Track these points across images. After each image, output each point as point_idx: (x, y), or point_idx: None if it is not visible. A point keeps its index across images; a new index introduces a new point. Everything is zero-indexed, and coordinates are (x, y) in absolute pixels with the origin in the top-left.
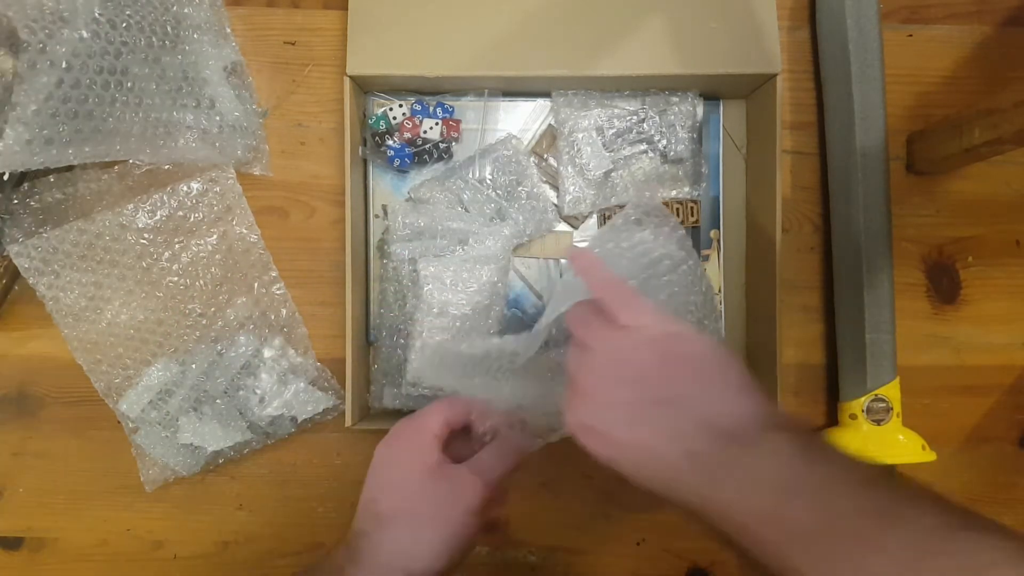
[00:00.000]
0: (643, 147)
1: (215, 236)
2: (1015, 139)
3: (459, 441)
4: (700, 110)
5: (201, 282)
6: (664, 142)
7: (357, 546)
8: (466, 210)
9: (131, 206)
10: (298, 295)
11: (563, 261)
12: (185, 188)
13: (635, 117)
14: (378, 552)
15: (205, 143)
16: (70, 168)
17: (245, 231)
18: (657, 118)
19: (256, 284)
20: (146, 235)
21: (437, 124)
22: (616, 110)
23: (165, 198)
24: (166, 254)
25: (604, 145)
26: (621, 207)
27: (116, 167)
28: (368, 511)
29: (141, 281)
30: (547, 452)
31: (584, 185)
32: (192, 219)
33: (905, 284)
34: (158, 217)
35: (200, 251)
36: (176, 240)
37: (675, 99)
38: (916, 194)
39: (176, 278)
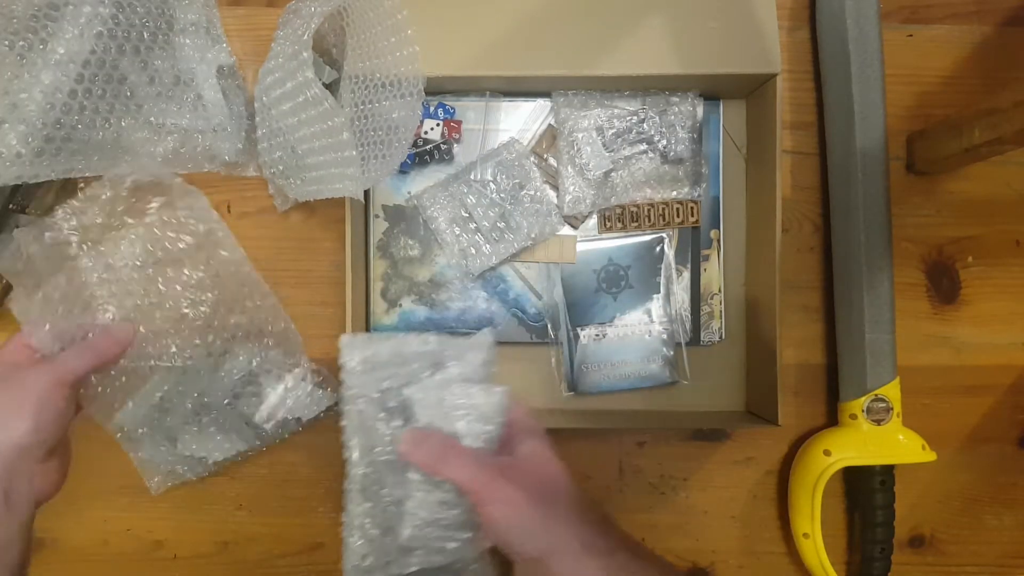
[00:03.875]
0: (643, 147)
1: (201, 264)
2: (1015, 139)
3: None
4: (700, 110)
5: (192, 312)
6: (664, 142)
7: None
8: (470, 215)
9: (112, 243)
10: (298, 295)
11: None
12: (164, 218)
13: (635, 117)
14: None
15: (193, 146)
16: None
17: (228, 253)
18: (657, 118)
19: (247, 301)
20: (134, 273)
21: (438, 125)
22: (616, 110)
23: (142, 231)
24: (155, 288)
25: (604, 145)
26: (621, 207)
27: (101, 197)
28: None
29: (132, 318)
30: None
31: (584, 185)
32: (175, 249)
33: (905, 284)
34: (138, 251)
35: (189, 280)
36: (164, 272)
37: (675, 99)
38: (916, 194)
39: (167, 311)
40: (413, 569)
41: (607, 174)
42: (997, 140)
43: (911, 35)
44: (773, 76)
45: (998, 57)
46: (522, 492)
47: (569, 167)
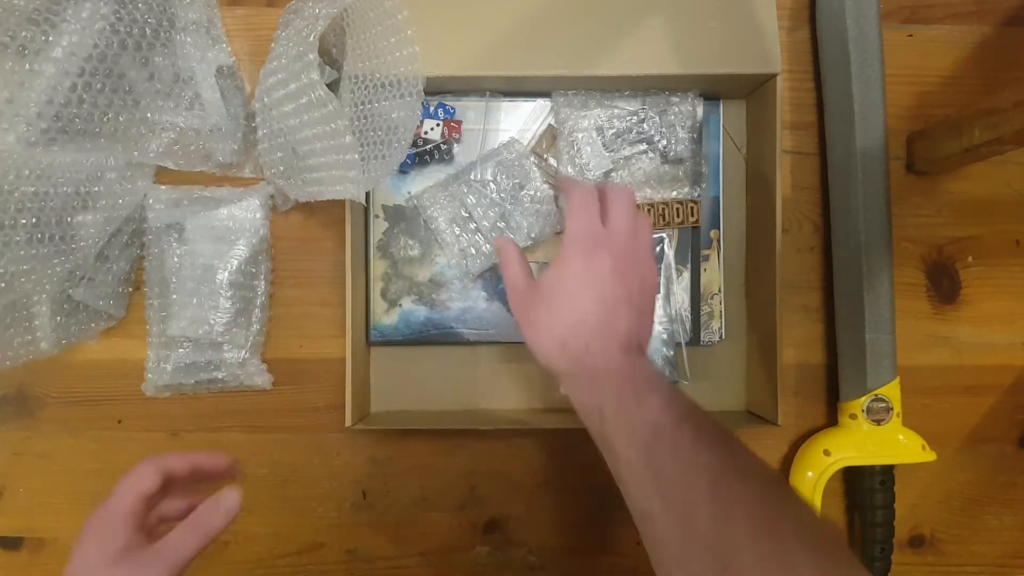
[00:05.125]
0: (643, 147)
1: None
2: (1015, 139)
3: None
4: (700, 110)
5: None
6: (664, 142)
7: None
8: (470, 215)
9: None
10: (298, 295)
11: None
12: None
13: (635, 117)
14: None
15: (187, 144)
16: None
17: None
18: (657, 118)
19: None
20: None
21: (438, 125)
22: (616, 110)
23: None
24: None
25: (604, 145)
26: None
27: None
28: None
29: None
30: (547, 452)
31: None
32: None
33: (905, 284)
34: None
35: None
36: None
37: (675, 99)
38: (916, 194)
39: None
40: None
41: (607, 174)
42: (997, 140)
43: (911, 35)
44: (773, 76)
45: (998, 57)
46: (523, 315)
47: (569, 167)
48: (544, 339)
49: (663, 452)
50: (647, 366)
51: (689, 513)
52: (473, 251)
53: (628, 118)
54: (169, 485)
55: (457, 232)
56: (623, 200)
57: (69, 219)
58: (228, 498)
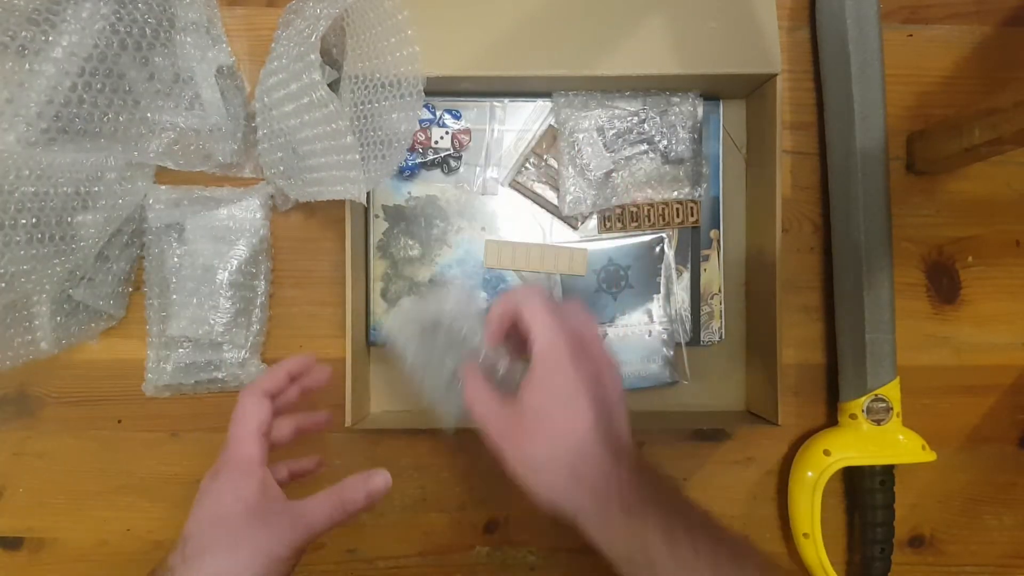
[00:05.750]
0: (644, 147)
1: None
2: (1015, 139)
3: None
4: (700, 110)
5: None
6: (665, 142)
7: None
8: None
9: None
10: (298, 295)
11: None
12: None
13: (636, 118)
14: None
15: (187, 144)
16: None
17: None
18: (658, 118)
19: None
20: None
21: (447, 134)
22: (617, 110)
23: None
24: None
25: (605, 145)
26: (621, 207)
27: None
28: (179, 549)
29: None
30: None
31: (585, 186)
32: None
33: (905, 284)
34: None
35: None
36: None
37: (676, 99)
38: (916, 194)
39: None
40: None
41: (608, 174)
42: (997, 140)
43: (911, 35)
44: (773, 76)
45: (998, 57)
46: (508, 444)
47: (570, 167)
48: (549, 475)
49: None
50: (664, 478)
51: None
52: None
53: (629, 118)
54: (278, 403)
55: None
56: (576, 305)
57: (69, 219)
58: (376, 478)
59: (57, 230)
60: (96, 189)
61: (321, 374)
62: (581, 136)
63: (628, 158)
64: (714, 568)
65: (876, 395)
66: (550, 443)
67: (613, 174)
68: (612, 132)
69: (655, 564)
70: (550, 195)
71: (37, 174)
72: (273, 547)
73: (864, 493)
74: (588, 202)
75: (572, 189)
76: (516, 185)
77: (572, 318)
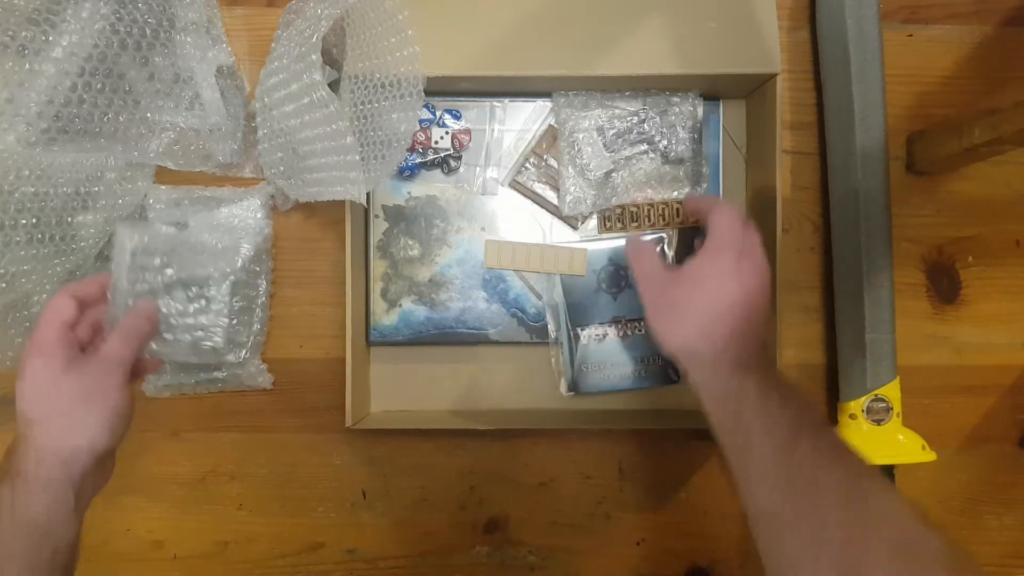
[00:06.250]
0: (644, 147)
1: None
2: (1015, 139)
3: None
4: (700, 110)
5: None
6: (665, 143)
7: (19, 447)
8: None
9: None
10: (298, 295)
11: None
12: None
13: (636, 118)
14: (39, 445)
15: (187, 144)
16: None
17: None
18: (658, 118)
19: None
20: None
21: (447, 134)
22: (617, 110)
23: None
24: None
25: (605, 145)
26: (621, 207)
27: None
28: (21, 420)
29: None
30: (547, 452)
31: (585, 185)
32: None
33: (905, 284)
34: None
35: None
36: None
37: (676, 99)
38: (916, 194)
39: None
40: None
41: (608, 174)
42: (997, 140)
43: (911, 35)
44: (773, 76)
45: (998, 57)
46: (661, 299)
47: (570, 167)
48: (682, 321)
49: (801, 456)
50: (782, 375)
51: (822, 523)
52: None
53: (629, 118)
54: (86, 313)
55: None
56: (757, 234)
57: (69, 219)
58: (147, 304)
59: (57, 230)
60: (96, 189)
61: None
62: (581, 136)
63: (628, 158)
64: (794, 426)
65: (876, 395)
66: (696, 300)
67: (613, 174)
68: (612, 132)
69: (743, 410)
70: (550, 195)
71: (37, 174)
72: (98, 389)
73: None
74: (588, 202)
75: (572, 189)
76: (516, 185)
77: (748, 232)
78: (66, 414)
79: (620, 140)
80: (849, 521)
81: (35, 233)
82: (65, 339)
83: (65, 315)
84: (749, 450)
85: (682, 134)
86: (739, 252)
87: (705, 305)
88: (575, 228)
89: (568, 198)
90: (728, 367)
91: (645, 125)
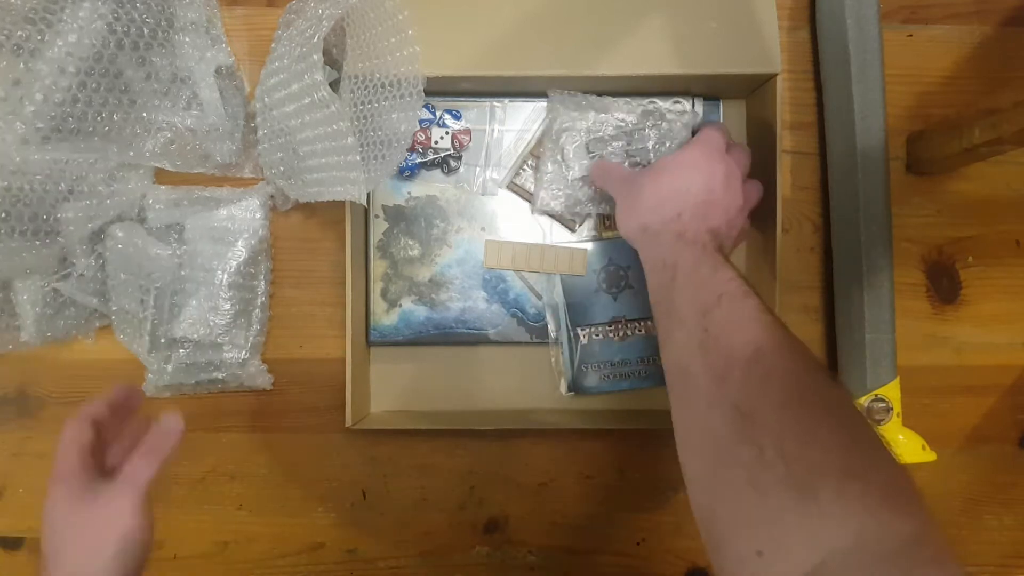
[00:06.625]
0: (629, 157)
1: None
2: (1015, 139)
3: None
4: (700, 110)
5: None
6: (652, 156)
7: None
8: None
9: None
10: (298, 295)
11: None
12: None
13: (627, 127)
14: None
15: (184, 144)
16: None
17: None
18: (650, 132)
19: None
20: None
21: (447, 134)
22: (611, 118)
23: None
24: None
25: (587, 149)
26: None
27: None
28: (41, 553)
29: None
30: (547, 452)
31: (562, 185)
32: None
33: (905, 284)
34: None
35: None
36: None
37: (672, 115)
38: (916, 194)
39: None
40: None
41: (584, 179)
42: (997, 140)
43: (911, 35)
44: (773, 76)
45: (998, 57)
46: (643, 186)
47: (549, 163)
48: (640, 200)
49: (719, 316)
50: (727, 259)
51: (725, 375)
52: None
53: (620, 125)
54: (105, 432)
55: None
56: (748, 155)
57: (45, 216)
58: (170, 420)
59: (31, 225)
60: (82, 189)
61: (139, 395)
62: (566, 136)
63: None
64: (717, 292)
65: (876, 395)
66: (658, 185)
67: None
68: (597, 136)
69: (675, 276)
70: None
71: (11, 170)
72: (111, 516)
73: None
74: (560, 202)
75: (547, 186)
76: (514, 187)
77: (733, 146)
78: (77, 548)
79: (605, 146)
80: (750, 378)
81: (18, 226)
82: (82, 465)
83: (82, 439)
84: (671, 315)
85: (671, 146)
86: (712, 153)
87: (664, 189)
88: (572, 230)
89: (541, 194)
90: (670, 238)
91: (635, 135)
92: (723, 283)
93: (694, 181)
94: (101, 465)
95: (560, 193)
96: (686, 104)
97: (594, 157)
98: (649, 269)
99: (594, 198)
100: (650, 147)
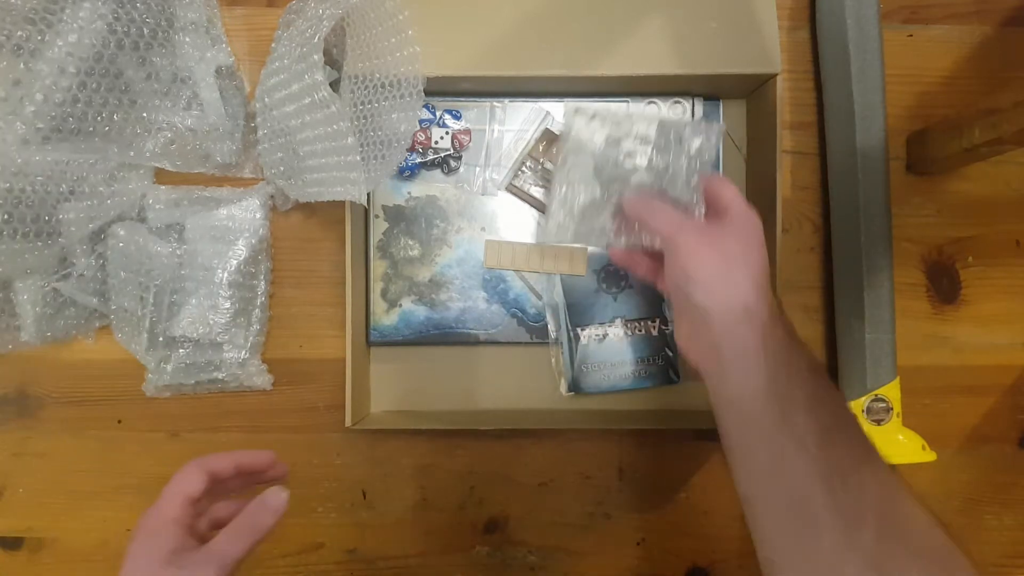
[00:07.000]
0: (642, 178)
1: None
2: (1015, 139)
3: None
4: (700, 110)
5: None
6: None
7: None
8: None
9: None
10: (298, 295)
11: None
12: None
13: (646, 145)
14: None
15: (184, 144)
16: None
17: None
18: (669, 154)
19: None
20: None
21: (447, 134)
22: (628, 132)
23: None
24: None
25: (596, 172)
26: None
27: None
28: None
29: None
30: (547, 452)
31: (567, 213)
32: None
33: (905, 284)
34: None
35: None
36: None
37: (696, 140)
38: (916, 194)
39: None
40: None
41: (594, 204)
42: (997, 140)
43: (911, 35)
44: (773, 76)
45: (998, 57)
46: (709, 249)
47: (563, 186)
48: (742, 274)
49: (838, 456)
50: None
51: (858, 523)
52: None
53: (636, 141)
54: (217, 487)
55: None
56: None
57: (47, 217)
58: (275, 497)
59: (33, 226)
60: (83, 189)
61: (277, 471)
62: (577, 158)
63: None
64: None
65: (876, 395)
66: (750, 255)
67: (599, 208)
68: (612, 159)
69: (792, 390)
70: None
71: (12, 171)
72: None
73: None
74: (570, 232)
75: (555, 215)
76: (512, 189)
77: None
78: None
79: (617, 167)
80: (883, 528)
81: (20, 228)
82: (181, 520)
83: (190, 490)
84: (786, 429)
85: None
86: (758, 224)
87: (753, 259)
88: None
89: (551, 223)
90: (784, 332)
91: (654, 153)
92: (837, 410)
93: (765, 258)
94: (197, 519)
95: (570, 223)
96: (686, 104)
97: (612, 183)
98: (750, 366)
99: (615, 229)
100: (679, 183)
